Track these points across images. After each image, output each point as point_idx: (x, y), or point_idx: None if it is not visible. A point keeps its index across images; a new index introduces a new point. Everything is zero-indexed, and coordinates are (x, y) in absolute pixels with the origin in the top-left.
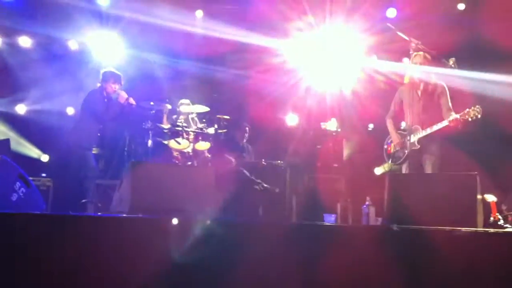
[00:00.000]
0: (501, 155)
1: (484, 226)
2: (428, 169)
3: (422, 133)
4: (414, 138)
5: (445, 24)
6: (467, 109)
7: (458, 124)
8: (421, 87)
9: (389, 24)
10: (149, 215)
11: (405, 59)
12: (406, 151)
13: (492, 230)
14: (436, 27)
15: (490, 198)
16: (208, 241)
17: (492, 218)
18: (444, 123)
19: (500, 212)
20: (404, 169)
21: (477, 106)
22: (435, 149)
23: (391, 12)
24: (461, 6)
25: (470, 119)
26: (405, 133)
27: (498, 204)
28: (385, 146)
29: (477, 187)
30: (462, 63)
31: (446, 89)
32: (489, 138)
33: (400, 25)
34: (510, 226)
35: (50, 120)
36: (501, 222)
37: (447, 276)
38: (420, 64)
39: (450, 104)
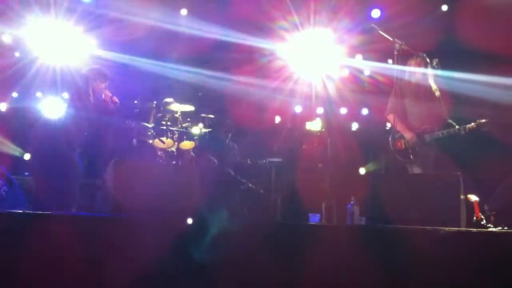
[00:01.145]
0: (483, 155)
1: (467, 226)
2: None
3: (437, 135)
4: (429, 139)
5: (429, 25)
6: (483, 120)
7: (471, 131)
8: (425, 86)
9: (373, 25)
10: (133, 215)
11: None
12: (422, 150)
13: (474, 229)
14: (419, 28)
15: (473, 198)
16: (192, 241)
17: (475, 218)
18: (461, 130)
19: (483, 212)
20: (415, 168)
21: (487, 120)
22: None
23: (376, 13)
24: (444, 8)
25: (484, 129)
26: (416, 130)
27: (481, 204)
28: (392, 141)
29: (460, 187)
30: (445, 64)
31: (438, 93)
32: (471, 139)
33: (384, 26)
34: (492, 226)
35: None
36: (483, 222)
37: (430, 276)
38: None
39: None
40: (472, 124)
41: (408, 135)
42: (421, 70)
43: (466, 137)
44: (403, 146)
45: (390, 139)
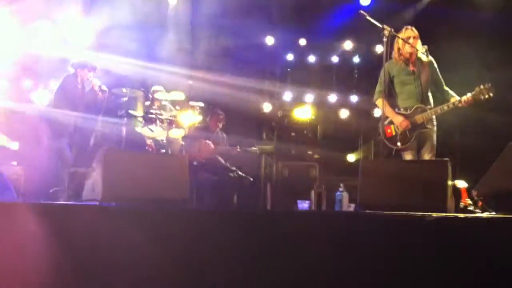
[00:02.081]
0: (471, 142)
1: (455, 212)
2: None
3: (431, 113)
4: (422, 119)
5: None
6: (480, 87)
7: (470, 104)
8: (414, 62)
9: (362, 11)
10: (122, 204)
11: (378, 46)
12: (414, 134)
13: (462, 215)
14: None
15: (461, 184)
16: (181, 230)
17: (462, 204)
18: (456, 102)
19: (471, 198)
20: (407, 154)
21: (489, 85)
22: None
23: (365, 0)
24: None
25: (482, 98)
26: (406, 113)
27: (468, 190)
28: (382, 129)
29: (448, 173)
30: (433, 51)
31: (435, 63)
32: (460, 126)
33: (374, 13)
34: (480, 211)
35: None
36: (471, 207)
37: (418, 261)
38: (412, 38)
39: (442, 80)
40: (468, 95)
41: (397, 119)
42: (411, 41)
43: (457, 118)
44: (393, 133)
45: (379, 125)
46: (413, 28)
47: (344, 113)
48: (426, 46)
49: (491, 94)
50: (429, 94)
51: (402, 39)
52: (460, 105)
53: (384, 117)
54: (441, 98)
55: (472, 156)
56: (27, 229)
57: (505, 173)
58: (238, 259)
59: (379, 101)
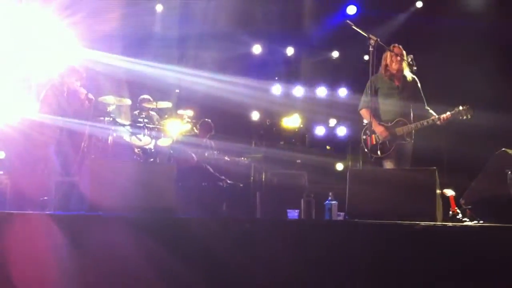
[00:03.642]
0: (459, 150)
1: (443, 220)
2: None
3: (411, 127)
4: (401, 132)
5: (404, 21)
6: (459, 108)
7: (447, 121)
8: (399, 77)
9: (348, 21)
10: (110, 213)
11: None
12: (393, 144)
13: (450, 224)
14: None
15: (449, 192)
16: (169, 238)
17: (451, 212)
18: (435, 119)
19: (459, 206)
20: (387, 163)
21: (467, 107)
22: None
23: (351, 9)
24: (419, 4)
25: (461, 118)
26: (387, 125)
27: (456, 198)
28: (364, 137)
29: (436, 181)
30: (417, 60)
31: (419, 83)
32: (448, 133)
33: (360, 22)
34: (468, 220)
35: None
36: (459, 216)
37: (406, 269)
38: (400, 55)
39: (424, 99)
40: (448, 113)
41: (379, 129)
42: (398, 59)
43: (444, 128)
44: (374, 142)
45: (362, 134)
46: (400, 46)
47: (332, 122)
48: (411, 56)
49: (469, 116)
50: (411, 109)
51: (396, 53)
52: (438, 122)
53: (367, 126)
54: (421, 115)
55: (460, 165)
56: (13, 238)
57: (492, 182)
58: (228, 267)
59: (363, 111)
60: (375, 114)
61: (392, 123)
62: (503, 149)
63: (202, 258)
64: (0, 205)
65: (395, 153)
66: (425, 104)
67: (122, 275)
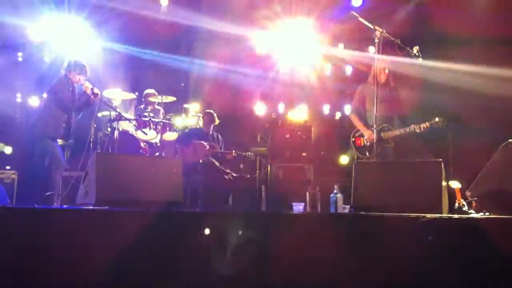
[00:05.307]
0: (464, 143)
1: (449, 212)
2: None
3: (394, 133)
4: (386, 136)
5: (409, 13)
6: (435, 120)
7: (425, 130)
8: (385, 88)
9: (353, 12)
10: (116, 207)
11: (371, 48)
12: (379, 147)
13: (456, 216)
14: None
15: (455, 184)
16: (175, 232)
17: (457, 204)
18: (416, 128)
19: (465, 198)
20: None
21: (441, 119)
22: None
23: (356, 1)
24: None
25: (437, 127)
26: (374, 129)
27: (463, 190)
28: (353, 139)
29: (442, 174)
30: (425, 52)
31: (402, 93)
32: (455, 127)
33: (365, 14)
34: (474, 212)
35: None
36: (465, 208)
37: (412, 262)
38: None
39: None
40: (426, 123)
41: (366, 133)
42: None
43: (422, 134)
44: (362, 143)
45: (351, 137)
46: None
47: (337, 114)
48: (417, 47)
49: (444, 126)
50: (395, 117)
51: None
52: (418, 130)
53: (356, 129)
54: (404, 122)
55: (466, 157)
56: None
57: (499, 174)
58: (236, 259)
59: (352, 116)
60: (363, 119)
61: (378, 128)
62: (510, 140)
63: (208, 252)
64: (8, 199)
65: (380, 154)
66: (408, 112)
67: (127, 268)
